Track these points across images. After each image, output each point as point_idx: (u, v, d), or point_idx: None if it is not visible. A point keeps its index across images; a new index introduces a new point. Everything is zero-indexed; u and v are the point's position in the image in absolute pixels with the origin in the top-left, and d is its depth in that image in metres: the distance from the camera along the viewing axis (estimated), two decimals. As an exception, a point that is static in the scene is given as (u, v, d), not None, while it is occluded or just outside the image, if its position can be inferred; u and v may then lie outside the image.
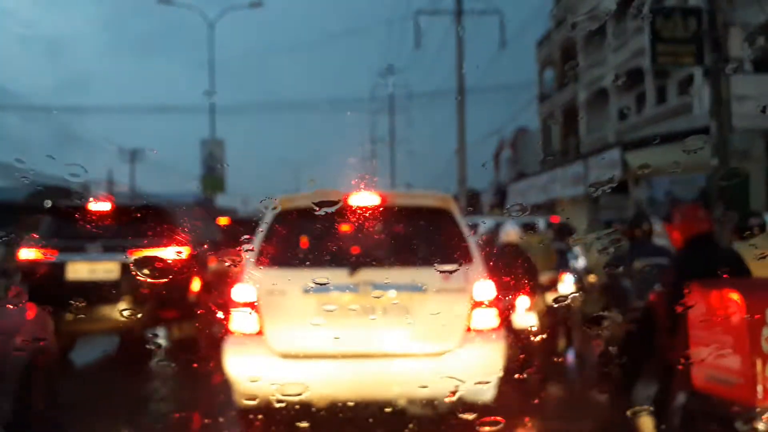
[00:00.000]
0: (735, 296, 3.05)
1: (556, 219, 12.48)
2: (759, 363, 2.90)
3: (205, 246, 7.76)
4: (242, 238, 4.28)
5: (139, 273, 6.51)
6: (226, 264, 8.17)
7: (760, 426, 2.92)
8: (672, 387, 3.53)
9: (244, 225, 6.24)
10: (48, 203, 7.04)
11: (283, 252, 4.35)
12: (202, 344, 6.90)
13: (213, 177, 31.73)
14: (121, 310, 6.38)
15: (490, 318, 4.20)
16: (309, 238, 4.58)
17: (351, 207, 4.24)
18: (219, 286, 7.53)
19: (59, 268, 6.52)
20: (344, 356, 4.01)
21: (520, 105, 49.12)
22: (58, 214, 7.01)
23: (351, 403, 4.03)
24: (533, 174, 26.28)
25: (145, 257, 6.52)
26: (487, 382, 3.93)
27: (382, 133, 41.44)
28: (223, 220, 10.95)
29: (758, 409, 2.90)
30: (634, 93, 23.41)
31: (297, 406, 3.73)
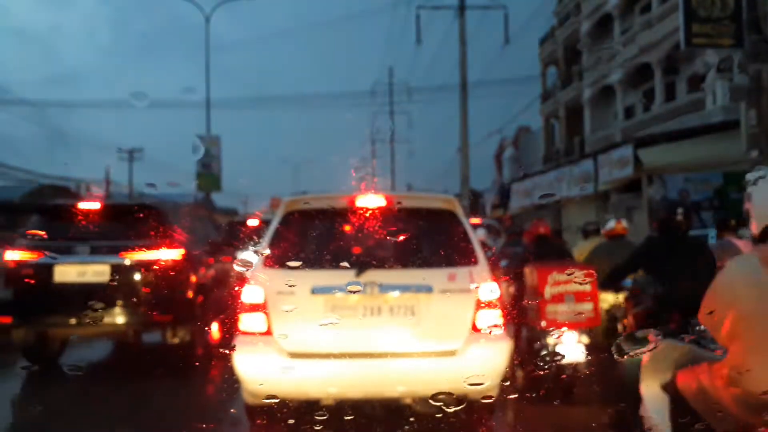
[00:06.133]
0: (536, 270, 5.76)
1: (478, 221, 13.74)
2: (544, 304, 5.56)
3: (206, 246, 7.57)
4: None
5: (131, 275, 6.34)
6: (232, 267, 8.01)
7: (549, 340, 5.62)
8: (521, 323, 6.16)
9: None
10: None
11: (291, 253, 4.42)
12: (199, 349, 6.74)
13: (209, 175, 31.48)
14: (112, 315, 6.14)
15: (495, 318, 4.31)
16: (316, 239, 4.67)
17: (357, 209, 4.37)
18: (218, 288, 7.36)
19: (46, 270, 6.27)
20: (351, 355, 4.07)
21: (523, 103, 49.03)
22: (46, 213, 6.78)
23: (358, 401, 4.15)
24: (538, 173, 26.06)
25: (138, 259, 6.35)
26: (492, 381, 4.07)
27: (382, 132, 41.24)
28: (253, 222, 10.24)
29: (544, 326, 5.60)
30: (640, 90, 23.26)
31: (305, 405, 3.84)
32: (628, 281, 5.49)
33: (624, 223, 7.35)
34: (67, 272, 6.25)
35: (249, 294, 4.29)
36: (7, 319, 6.21)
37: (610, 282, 5.48)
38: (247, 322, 4.27)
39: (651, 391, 2.81)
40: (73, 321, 6.11)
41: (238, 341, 4.25)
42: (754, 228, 2.43)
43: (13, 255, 6.30)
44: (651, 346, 2.45)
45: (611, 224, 7.32)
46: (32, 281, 6.14)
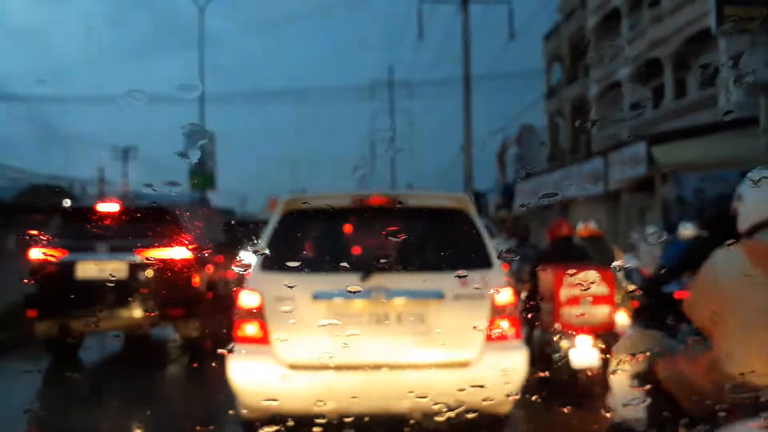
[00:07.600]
0: (552, 272, 5.83)
1: None
2: (559, 306, 5.68)
3: (213, 246, 8.29)
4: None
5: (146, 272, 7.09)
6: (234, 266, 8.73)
7: (563, 343, 5.66)
8: (534, 326, 6.26)
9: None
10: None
11: (291, 256, 4.21)
12: (207, 343, 7.39)
13: (203, 173, 31.74)
14: (128, 309, 6.88)
15: (511, 326, 4.21)
16: (318, 241, 4.63)
17: (362, 208, 4.30)
18: (224, 285, 8.07)
19: (69, 267, 7.05)
20: (355, 367, 3.94)
21: (526, 101, 49.15)
22: (68, 214, 7.56)
23: (363, 416, 3.87)
24: (543, 172, 26.10)
25: (153, 257, 7.11)
26: (509, 393, 3.97)
27: (382, 130, 41.71)
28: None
29: (558, 329, 5.71)
30: (650, 87, 23.49)
31: (305, 420, 3.51)
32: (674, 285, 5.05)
33: (593, 225, 8.19)
34: (88, 269, 7.01)
35: (245, 299, 4.18)
36: (33, 313, 7.01)
37: (652, 286, 4.91)
38: (242, 329, 4.15)
39: (621, 380, 3.12)
40: (93, 314, 6.84)
41: (234, 350, 4.07)
42: (742, 226, 2.69)
43: (38, 253, 7.09)
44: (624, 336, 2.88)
45: (580, 226, 8.10)
46: (56, 277, 6.93)
